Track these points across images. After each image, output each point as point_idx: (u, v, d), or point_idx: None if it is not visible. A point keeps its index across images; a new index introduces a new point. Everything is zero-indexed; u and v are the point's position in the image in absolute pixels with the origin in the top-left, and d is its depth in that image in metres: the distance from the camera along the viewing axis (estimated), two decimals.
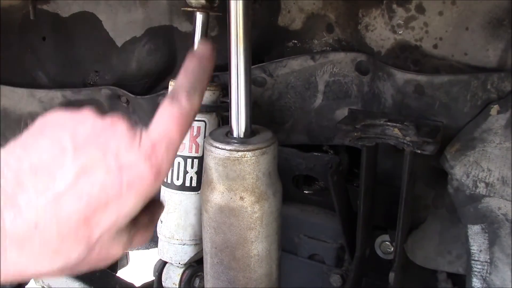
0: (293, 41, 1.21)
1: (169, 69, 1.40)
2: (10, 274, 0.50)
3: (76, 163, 0.52)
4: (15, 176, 0.50)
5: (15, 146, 0.53)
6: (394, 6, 1.04)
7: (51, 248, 0.50)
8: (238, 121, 0.90)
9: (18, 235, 0.48)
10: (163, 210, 0.67)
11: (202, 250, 1.02)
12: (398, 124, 0.97)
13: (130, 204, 0.54)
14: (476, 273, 0.98)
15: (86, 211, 0.51)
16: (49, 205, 0.49)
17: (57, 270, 0.52)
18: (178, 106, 0.60)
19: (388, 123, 0.99)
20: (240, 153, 0.85)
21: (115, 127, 0.56)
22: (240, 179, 0.87)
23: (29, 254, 0.49)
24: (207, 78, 0.69)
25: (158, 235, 1.17)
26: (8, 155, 0.52)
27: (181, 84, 0.64)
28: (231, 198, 0.88)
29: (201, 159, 1.07)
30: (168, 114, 0.60)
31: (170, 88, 1.09)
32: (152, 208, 0.63)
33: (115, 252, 0.57)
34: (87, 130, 0.55)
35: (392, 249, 1.24)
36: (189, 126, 0.61)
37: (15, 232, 0.48)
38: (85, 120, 0.57)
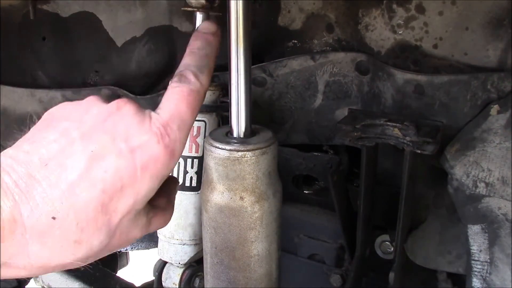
0: (293, 41, 1.21)
1: (169, 69, 1.40)
2: (34, 268, 0.50)
3: (85, 151, 0.51)
4: (26, 171, 0.49)
5: (22, 142, 0.53)
6: (394, 6, 1.04)
7: (72, 239, 0.50)
8: (238, 121, 0.90)
9: (38, 228, 0.48)
10: (178, 186, 0.65)
11: (202, 250, 1.02)
12: (398, 124, 0.97)
13: (146, 186, 0.53)
14: (476, 273, 0.98)
15: (103, 198, 0.50)
16: (64, 195, 0.49)
17: (81, 259, 0.52)
18: (186, 84, 0.59)
19: (388, 123, 0.99)
20: (240, 153, 0.85)
21: (121, 111, 0.54)
22: (240, 179, 0.87)
23: (51, 246, 0.49)
24: (215, 55, 0.66)
25: (158, 235, 1.17)
26: (17, 151, 0.51)
27: (187, 63, 0.62)
28: (231, 198, 0.88)
29: (201, 159, 1.07)
30: (177, 93, 0.58)
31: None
32: (167, 187, 0.62)
33: (134, 235, 0.57)
34: (92, 118, 0.54)
35: (392, 249, 1.24)
36: (199, 104, 0.59)
37: (34, 226, 0.47)
38: (89, 108, 0.56)
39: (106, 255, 0.56)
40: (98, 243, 0.52)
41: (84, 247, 0.51)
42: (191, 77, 0.60)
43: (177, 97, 0.58)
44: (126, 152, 0.52)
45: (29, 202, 0.48)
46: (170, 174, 0.61)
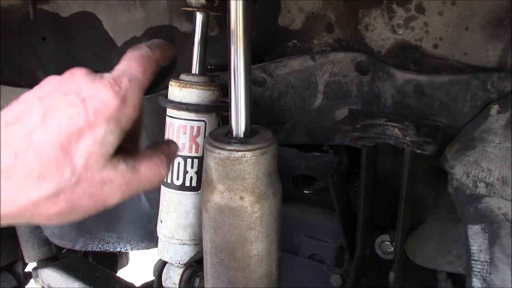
0: (293, 41, 1.21)
1: (169, 69, 1.40)
2: (5, 203, 0.56)
3: (40, 107, 0.59)
4: None
5: None
6: (394, 6, 1.04)
7: (35, 174, 0.56)
8: (238, 121, 0.90)
9: (3, 167, 0.55)
10: (176, 150, 0.73)
11: (202, 250, 1.02)
12: (398, 124, 0.97)
13: (102, 130, 0.60)
14: (476, 273, 0.98)
15: (60, 140, 0.58)
16: (22, 139, 0.57)
17: (49, 195, 0.58)
18: (138, 50, 0.67)
19: (388, 123, 0.99)
20: (240, 153, 0.85)
21: (74, 75, 0.63)
22: (240, 179, 0.87)
23: (16, 182, 0.56)
24: (163, 44, 0.74)
25: (158, 235, 1.17)
26: None
27: (144, 44, 0.70)
28: (231, 198, 0.88)
29: (201, 159, 1.07)
30: (128, 56, 0.67)
31: (170, 88, 1.09)
32: (158, 145, 0.69)
33: (116, 179, 0.62)
34: (49, 85, 0.63)
35: (392, 249, 1.24)
36: (151, 68, 0.67)
37: (2, 160, 0.55)
38: (47, 81, 0.65)
39: (89, 206, 0.62)
40: (63, 180, 0.58)
41: (49, 183, 0.57)
42: (143, 46, 0.68)
43: (127, 58, 0.66)
44: (78, 102, 0.59)
45: None
46: (169, 139, 0.65)
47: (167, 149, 0.70)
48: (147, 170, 0.65)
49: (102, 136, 0.60)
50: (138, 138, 0.73)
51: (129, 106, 0.62)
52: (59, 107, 0.59)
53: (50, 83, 0.64)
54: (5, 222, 0.59)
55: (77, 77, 0.62)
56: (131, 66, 0.65)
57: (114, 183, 0.62)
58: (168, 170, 0.69)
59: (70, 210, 0.61)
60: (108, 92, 0.60)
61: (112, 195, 0.63)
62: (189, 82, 1.06)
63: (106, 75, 0.63)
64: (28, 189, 0.57)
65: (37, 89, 0.64)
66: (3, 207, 0.56)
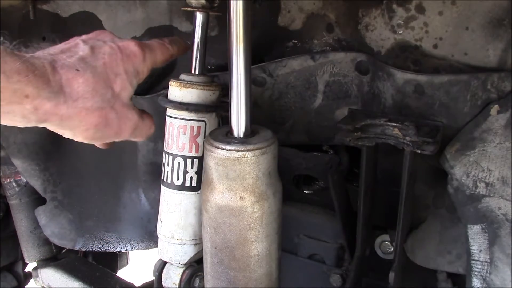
0: (293, 41, 1.21)
1: (169, 69, 1.40)
2: (67, 104, 0.73)
3: (87, 45, 0.78)
4: (48, 54, 0.74)
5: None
6: (394, 6, 1.04)
7: (90, 87, 0.74)
8: (238, 121, 0.90)
9: (66, 78, 0.72)
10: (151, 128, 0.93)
11: (202, 250, 1.02)
12: (398, 124, 0.97)
13: (130, 70, 0.81)
14: (476, 273, 0.98)
15: (106, 68, 0.77)
16: (79, 61, 0.74)
17: (97, 108, 0.76)
18: (160, 40, 0.92)
19: (388, 123, 0.99)
20: (240, 153, 0.85)
21: (104, 32, 0.84)
22: (240, 179, 0.87)
23: (76, 91, 0.73)
24: (179, 47, 0.99)
25: (158, 235, 1.17)
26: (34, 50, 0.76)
27: (167, 38, 0.97)
28: (231, 198, 0.88)
29: (201, 159, 1.07)
30: (153, 40, 0.90)
31: (170, 88, 1.09)
32: (148, 113, 0.92)
33: (132, 116, 0.83)
34: (87, 36, 0.82)
35: (392, 249, 1.24)
36: (166, 56, 0.92)
37: (64, 74, 0.72)
38: (81, 36, 0.83)
39: (116, 132, 0.82)
40: (107, 99, 0.77)
41: (98, 98, 0.76)
42: (165, 39, 0.95)
43: (152, 41, 0.90)
44: (115, 47, 0.80)
45: (58, 62, 0.73)
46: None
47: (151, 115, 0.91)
48: (148, 120, 0.88)
49: (130, 74, 0.80)
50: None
51: (148, 61, 0.83)
52: (102, 47, 0.78)
53: (87, 35, 0.82)
54: (59, 123, 0.73)
55: (108, 33, 0.83)
56: (153, 44, 0.86)
57: (130, 120, 0.83)
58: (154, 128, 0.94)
59: (103, 127, 0.78)
60: (136, 47, 0.81)
61: (126, 130, 0.83)
62: (189, 82, 1.06)
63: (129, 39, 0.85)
64: (84, 98, 0.73)
65: (77, 37, 0.81)
66: (67, 109, 0.72)
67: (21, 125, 0.71)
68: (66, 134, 0.77)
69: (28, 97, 0.67)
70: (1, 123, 0.69)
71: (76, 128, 0.76)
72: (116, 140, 0.83)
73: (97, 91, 0.74)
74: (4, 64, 0.64)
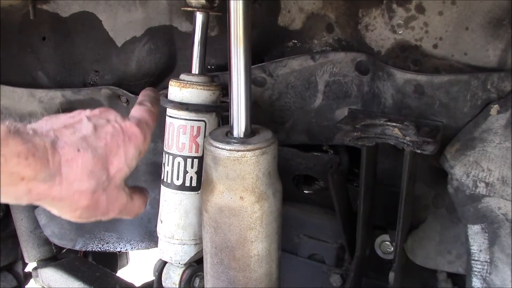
0: (293, 41, 1.21)
1: (169, 69, 1.40)
2: (63, 186, 0.69)
3: (91, 123, 0.77)
4: (51, 129, 0.72)
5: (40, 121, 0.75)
6: (394, 6, 1.04)
7: (88, 169, 0.72)
8: (238, 121, 0.90)
9: (67, 158, 0.70)
10: (147, 197, 0.89)
11: (202, 250, 1.02)
12: (398, 124, 0.97)
13: (131, 152, 0.78)
14: (476, 273, 0.98)
15: (105, 150, 0.75)
16: (81, 141, 0.72)
17: (91, 191, 0.73)
18: (144, 106, 0.88)
19: (388, 123, 0.99)
20: (240, 153, 0.85)
21: (109, 110, 0.82)
22: (240, 179, 0.87)
23: (75, 172, 0.70)
24: (158, 106, 0.93)
25: (158, 235, 1.17)
26: (37, 123, 0.73)
27: (143, 98, 0.92)
28: (231, 198, 0.88)
29: (201, 159, 1.07)
30: (139, 109, 0.87)
31: (170, 88, 1.09)
32: (139, 189, 0.87)
33: (122, 198, 0.79)
34: (92, 112, 0.81)
35: (392, 249, 1.24)
36: (154, 121, 0.87)
37: (64, 154, 0.70)
38: (80, 112, 0.81)
39: (103, 212, 0.77)
40: (102, 182, 0.74)
41: (94, 180, 0.73)
42: (148, 103, 0.90)
43: (139, 111, 0.87)
44: (118, 127, 0.78)
45: (60, 141, 0.71)
46: (142, 187, 0.88)
47: (144, 193, 0.87)
48: (138, 200, 0.84)
49: (130, 157, 0.78)
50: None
51: (147, 143, 0.82)
52: (105, 126, 0.77)
53: (92, 111, 0.81)
54: (49, 203, 0.71)
55: (112, 112, 0.81)
56: (145, 115, 0.85)
57: (119, 202, 0.79)
58: (145, 207, 0.88)
59: (93, 208, 0.75)
60: (137, 128, 0.80)
61: (113, 211, 0.79)
62: (189, 82, 1.06)
63: (130, 117, 0.83)
64: (80, 181, 0.71)
65: (82, 111, 0.80)
66: (60, 191, 0.69)
67: (11, 203, 0.70)
68: (53, 211, 0.75)
69: (24, 180, 0.65)
70: None
71: (65, 208, 0.74)
72: (102, 219, 0.81)
73: (94, 174, 0.72)
74: (5, 147, 0.62)
